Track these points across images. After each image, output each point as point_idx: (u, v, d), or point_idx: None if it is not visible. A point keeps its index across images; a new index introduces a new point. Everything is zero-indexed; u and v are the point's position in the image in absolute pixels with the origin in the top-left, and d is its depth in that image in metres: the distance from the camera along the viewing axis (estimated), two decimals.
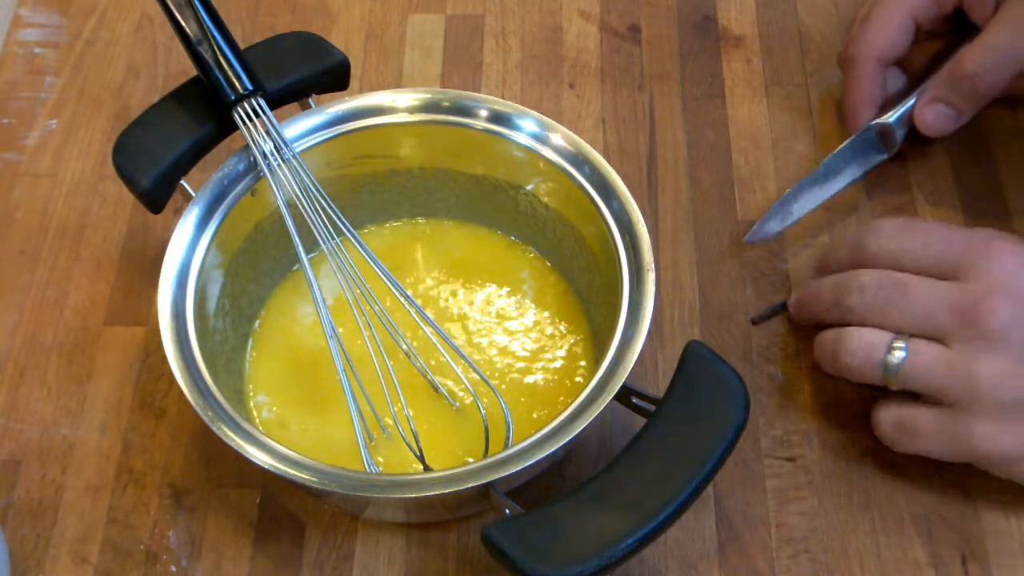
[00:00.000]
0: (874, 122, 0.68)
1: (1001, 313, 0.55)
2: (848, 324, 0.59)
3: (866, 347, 0.58)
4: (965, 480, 0.60)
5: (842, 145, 0.68)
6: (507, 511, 0.52)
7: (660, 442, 0.52)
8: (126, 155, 0.61)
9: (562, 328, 0.64)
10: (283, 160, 0.60)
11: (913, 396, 0.58)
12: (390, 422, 0.61)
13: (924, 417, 0.57)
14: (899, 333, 0.57)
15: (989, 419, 0.55)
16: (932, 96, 0.67)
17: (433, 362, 0.62)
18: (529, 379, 0.62)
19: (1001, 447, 0.56)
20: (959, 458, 0.57)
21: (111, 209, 0.71)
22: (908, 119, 0.68)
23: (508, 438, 0.60)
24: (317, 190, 0.60)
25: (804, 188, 0.68)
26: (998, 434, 0.55)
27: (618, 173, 0.61)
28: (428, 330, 0.61)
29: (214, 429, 0.54)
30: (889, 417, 0.58)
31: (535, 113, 0.62)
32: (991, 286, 0.55)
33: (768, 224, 0.67)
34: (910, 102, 0.68)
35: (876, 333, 0.58)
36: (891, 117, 0.68)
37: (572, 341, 0.64)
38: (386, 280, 0.61)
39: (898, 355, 0.57)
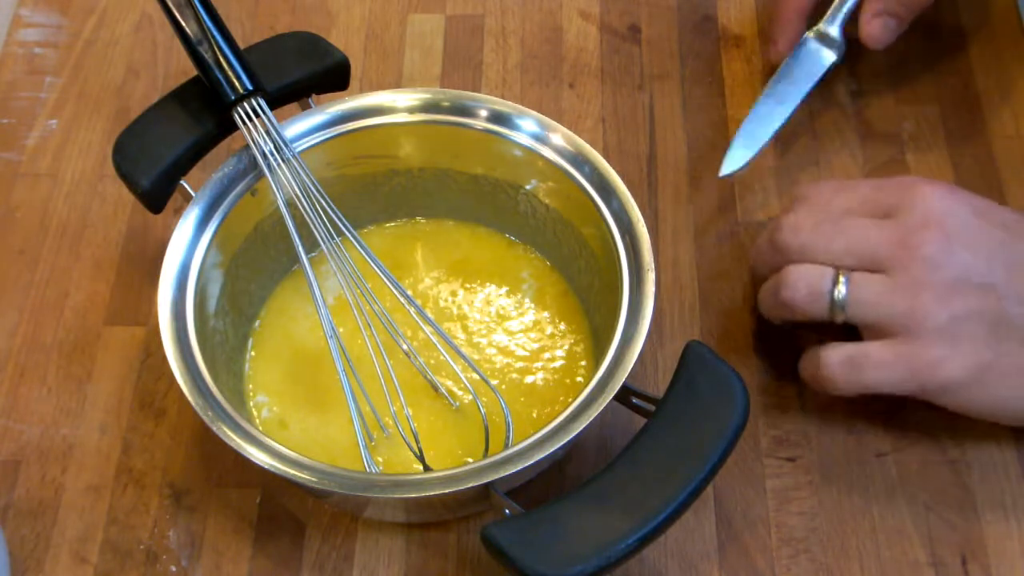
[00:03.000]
0: (810, 33, 0.70)
1: (934, 241, 0.56)
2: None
3: (809, 280, 0.58)
4: (965, 480, 0.60)
5: (782, 66, 0.69)
6: (507, 511, 0.52)
7: (660, 442, 0.52)
8: (126, 155, 0.61)
9: (562, 328, 0.64)
10: (283, 160, 0.60)
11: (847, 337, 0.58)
12: (390, 422, 0.61)
13: (874, 350, 0.57)
14: (838, 267, 0.58)
15: (938, 342, 0.56)
16: (879, 9, 0.68)
17: (433, 362, 0.62)
18: (529, 379, 0.62)
19: (951, 371, 0.56)
20: (911, 389, 0.57)
21: (111, 209, 0.71)
22: (844, 24, 0.69)
23: (508, 438, 0.60)
24: (317, 190, 0.60)
25: (759, 114, 0.68)
26: (948, 357, 0.56)
27: (618, 173, 0.61)
28: (428, 330, 0.61)
29: (214, 429, 0.54)
30: (837, 356, 0.58)
31: (535, 113, 0.62)
32: (923, 219, 0.57)
33: (734, 156, 0.67)
34: (846, 5, 0.70)
35: (817, 267, 0.58)
36: (829, 25, 0.69)
37: (572, 341, 0.64)
38: (386, 280, 0.61)
39: (842, 287, 0.57)
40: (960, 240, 0.56)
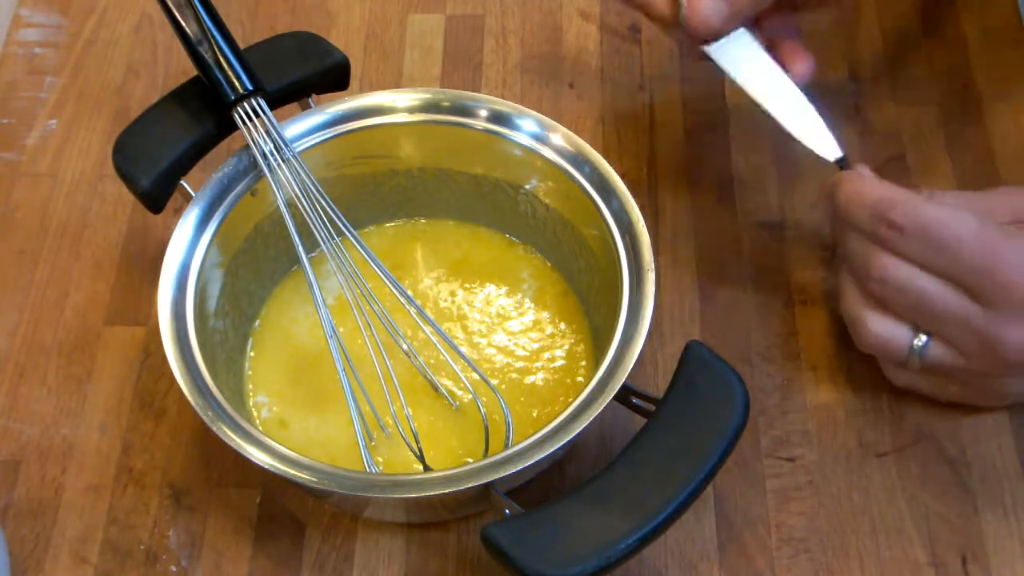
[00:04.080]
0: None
1: (1016, 342, 0.54)
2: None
3: (886, 339, 0.58)
4: (965, 480, 0.60)
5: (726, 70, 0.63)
6: (507, 511, 0.52)
7: (660, 442, 0.52)
8: (126, 155, 0.61)
9: (562, 328, 0.64)
10: (283, 160, 0.60)
11: None
12: (390, 422, 0.61)
13: (952, 389, 0.60)
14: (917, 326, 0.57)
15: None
16: None
17: (433, 362, 0.62)
18: (529, 379, 0.62)
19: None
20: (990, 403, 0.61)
21: (111, 209, 0.71)
22: None
23: (508, 438, 0.60)
24: (317, 190, 0.60)
25: (782, 106, 0.63)
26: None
27: (618, 173, 0.61)
28: (428, 330, 0.61)
29: (214, 429, 0.54)
30: (911, 383, 0.60)
31: (535, 113, 0.62)
32: (1007, 313, 0.54)
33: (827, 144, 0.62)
34: None
35: (898, 327, 0.57)
36: None
37: (572, 341, 0.64)
38: (386, 280, 0.61)
39: (918, 347, 0.57)
40: None
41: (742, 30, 0.63)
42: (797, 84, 0.63)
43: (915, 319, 0.57)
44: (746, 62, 0.63)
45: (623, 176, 0.60)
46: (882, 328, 0.58)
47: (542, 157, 0.62)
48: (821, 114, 0.62)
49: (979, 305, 0.54)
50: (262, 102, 0.60)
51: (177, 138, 0.61)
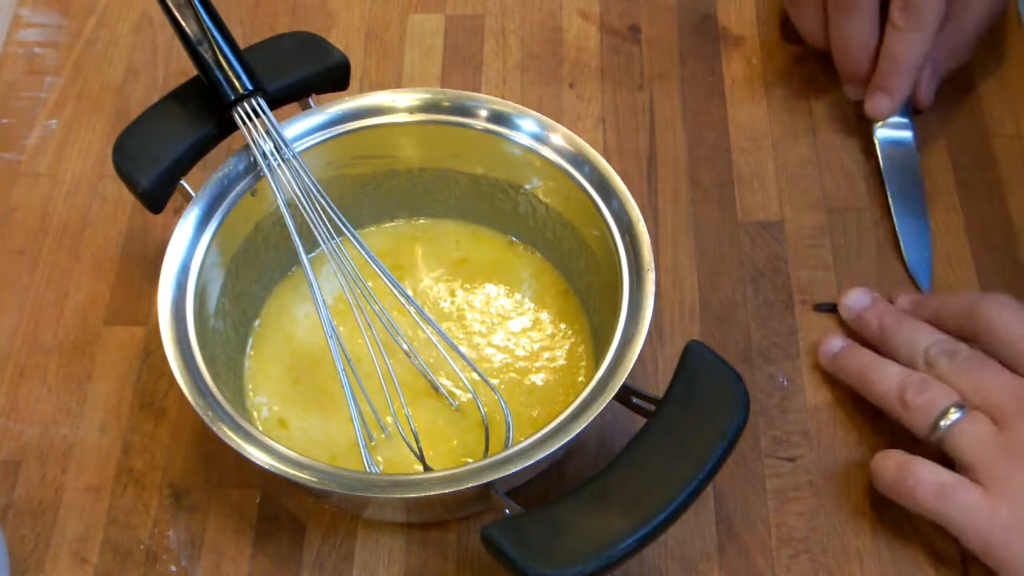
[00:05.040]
0: (879, 130, 0.71)
1: None
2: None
3: (931, 398, 0.57)
4: None
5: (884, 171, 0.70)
6: (507, 511, 0.52)
7: (660, 442, 0.52)
8: (126, 155, 0.61)
9: (562, 328, 0.64)
10: (283, 160, 0.60)
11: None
12: (390, 421, 0.61)
13: (972, 495, 0.55)
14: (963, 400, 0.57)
15: (1013, 517, 0.55)
16: (932, 72, 0.71)
17: (433, 361, 0.62)
18: (529, 379, 0.62)
19: (1014, 548, 0.55)
20: (973, 544, 0.56)
21: (111, 209, 0.71)
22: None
23: (508, 438, 0.60)
24: (317, 190, 0.60)
25: (909, 233, 0.68)
26: (1015, 531, 0.55)
27: (618, 173, 0.61)
28: (428, 330, 0.61)
29: (214, 429, 0.54)
30: (931, 477, 0.57)
31: (535, 113, 0.62)
32: None
33: (922, 276, 0.67)
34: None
35: (944, 388, 0.58)
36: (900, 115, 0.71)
37: (572, 341, 0.64)
38: (386, 280, 0.61)
39: (954, 416, 0.57)
40: None
41: None
42: None
43: (962, 389, 0.58)
44: None
45: (623, 176, 0.60)
46: (934, 386, 0.58)
47: (542, 157, 0.62)
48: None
49: None
50: (262, 102, 0.60)
51: (177, 138, 0.61)
